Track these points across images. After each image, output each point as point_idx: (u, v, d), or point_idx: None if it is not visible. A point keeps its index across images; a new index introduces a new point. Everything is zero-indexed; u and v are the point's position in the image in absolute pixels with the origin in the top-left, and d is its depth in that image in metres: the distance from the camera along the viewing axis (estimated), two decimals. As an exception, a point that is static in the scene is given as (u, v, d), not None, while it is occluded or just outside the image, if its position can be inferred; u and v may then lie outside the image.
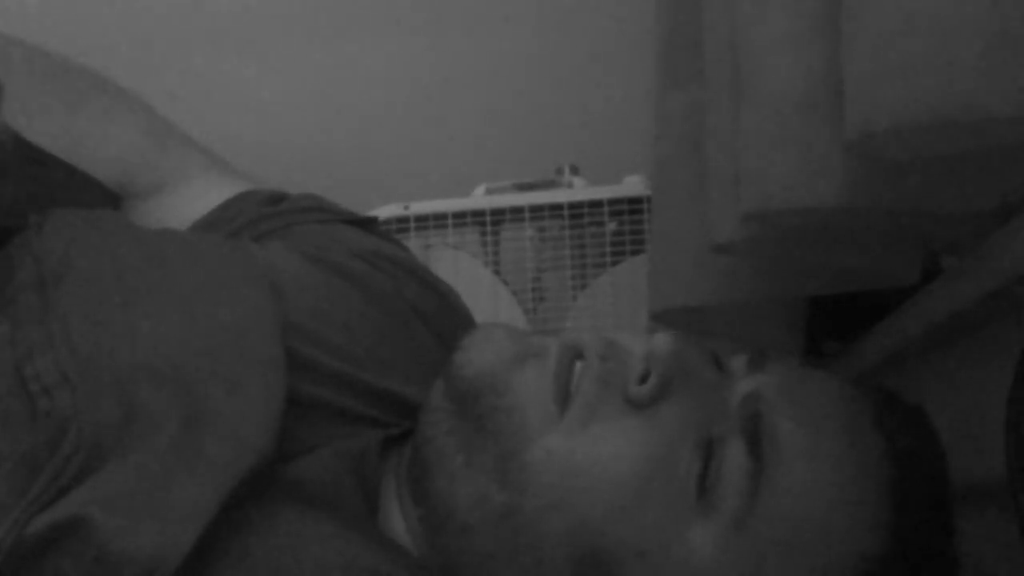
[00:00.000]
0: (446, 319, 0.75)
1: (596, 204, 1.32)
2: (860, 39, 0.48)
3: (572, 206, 1.33)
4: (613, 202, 1.32)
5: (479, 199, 1.35)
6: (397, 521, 0.62)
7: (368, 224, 0.83)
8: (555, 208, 1.33)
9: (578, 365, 0.59)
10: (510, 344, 0.60)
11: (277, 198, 0.82)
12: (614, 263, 1.32)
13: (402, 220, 1.35)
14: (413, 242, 1.33)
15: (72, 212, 0.70)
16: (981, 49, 0.43)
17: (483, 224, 1.35)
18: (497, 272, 1.34)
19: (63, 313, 0.60)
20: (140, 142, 0.83)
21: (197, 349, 0.60)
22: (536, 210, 1.33)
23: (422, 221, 1.35)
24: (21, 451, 0.54)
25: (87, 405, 0.55)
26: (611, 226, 1.33)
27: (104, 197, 0.81)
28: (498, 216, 1.34)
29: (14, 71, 0.76)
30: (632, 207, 1.32)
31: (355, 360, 0.66)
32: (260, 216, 0.80)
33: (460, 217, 1.35)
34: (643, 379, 0.58)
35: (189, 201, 0.82)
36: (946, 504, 0.59)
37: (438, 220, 1.35)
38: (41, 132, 0.77)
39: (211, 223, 0.80)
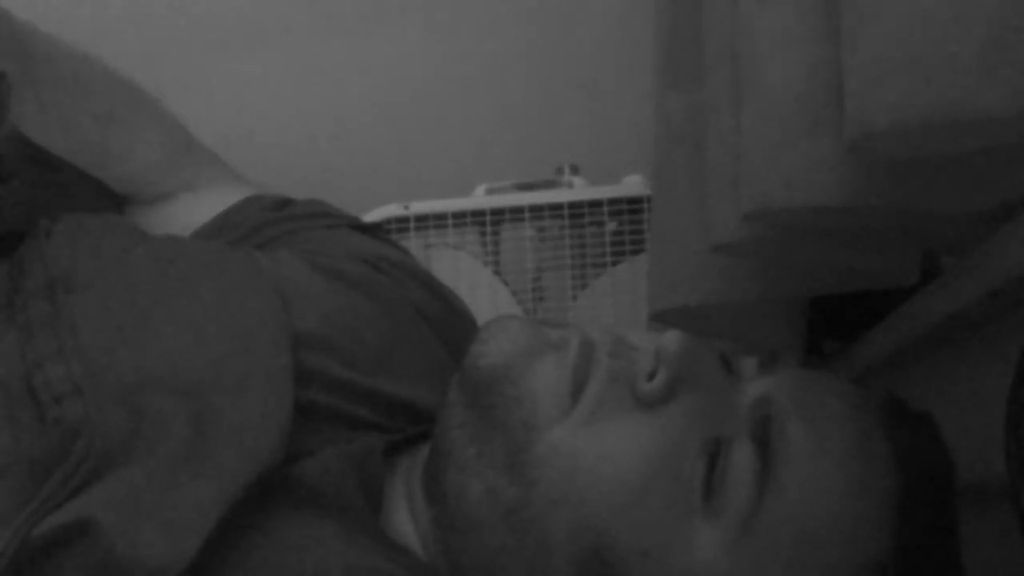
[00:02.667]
0: (451, 323, 0.75)
1: (596, 204, 1.32)
2: (860, 39, 0.48)
3: (572, 206, 1.32)
4: (613, 202, 1.32)
5: (479, 199, 1.35)
6: (403, 523, 0.62)
7: (372, 230, 0.83)
8: (555, 208, 1.33)
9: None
10: (528, 335, 0.60)
11: (281, 204, 0.82)
12: (614, 263, 1.32)
13: (402, 220, 1.35)
14: (413, 242, 1.33)
15: (81, 217, 0.70)
16: (981, 49, 0.43)
17: (483, 224, 1.35)
18: (497, 272, 1.34)
19: (73, 321, 0.60)
20: (160, 159, 0.83)
21: (205, 358, 0.60)
22: (536, 210, 1.33)
23: (422, 221, 1.35)
24: (30, 456, 0.54)
25: (97, 414, 0.55)
26: (611, 226, 1.33)
27: (108, 200, 0.81)
28: (498, 216, 1.34)
29: (59, 77, 0.77)
30: (632, 207, 1.32)
31: (361, 366, 0.67)
32: (265, 222, 0.80)
33: (460, 217, 1.35)
34: (651, 377, 0.58)
35: (194, 209, 0.82)
36: (951, 510, 0.59)
37: (438, 220, 1.35)
38: (66, 144, 0.77)
39: (216, 229, 0.80)
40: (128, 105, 0.83)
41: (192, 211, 0.82)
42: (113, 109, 0.81)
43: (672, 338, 0.58)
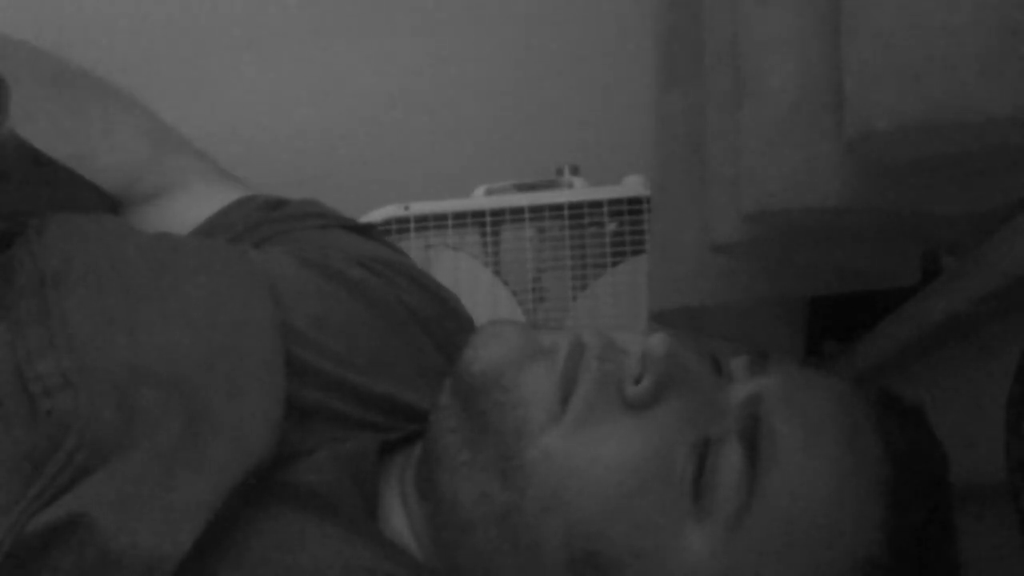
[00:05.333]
0: (446, 324, 0.75)
1: (596, 204, 1.32)
2: (860, 39, 0.48)
3: (572, 206, 1.32)
4: (613, 202, 1.32)
5: (479, 199, 1.35)
6: (399, 523, 0.62)
7: (366, 230, 0.83)
8: (555, 208, 1.33)
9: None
10: (520, 341, 0.61)
11: (276, 204, 0.82)
12: (614, 263, 1.32)
13: (402, 221, 1.35)
14: (413, 243, 1.33)
15: (72, 216, 0.71)
16: (981, 49, 0.43)
17: (483, 224, 1.34)
18: (497, 272, 1.34)
19: (64, 315, 0.60)
20: (141, 149, 0.83)
21: (197, 353, 0.60)
22: (536, 210, 1.33)
23: (422, 222, 1.35)
24: (22, 451, 0.54)
25: (89, 407, 0.55)
26: (611, 226, 1.33)
27: (103, 201, 0.81)
28: (498, 216, 1.34)
29: (20, 77, 0.76)
30: (632, 207, 1.31)
31: (354, 365, 0.67)
32: (259, 221, 0.80)
33: (460, 217, 1.35)
34: (639, 380, 0.58)
35: (188, 207, 0.82)
36: (945, 505, 0.59)
37: (438, 221, 1.35)
38: (45, 140, 0.77)
39: (211, 228, 0.80)
40: (97, 95, 0.83)
41: (186, 210, 0.82)
42: (82, 100, 0.81)
43: (658, 341, 0.59)
